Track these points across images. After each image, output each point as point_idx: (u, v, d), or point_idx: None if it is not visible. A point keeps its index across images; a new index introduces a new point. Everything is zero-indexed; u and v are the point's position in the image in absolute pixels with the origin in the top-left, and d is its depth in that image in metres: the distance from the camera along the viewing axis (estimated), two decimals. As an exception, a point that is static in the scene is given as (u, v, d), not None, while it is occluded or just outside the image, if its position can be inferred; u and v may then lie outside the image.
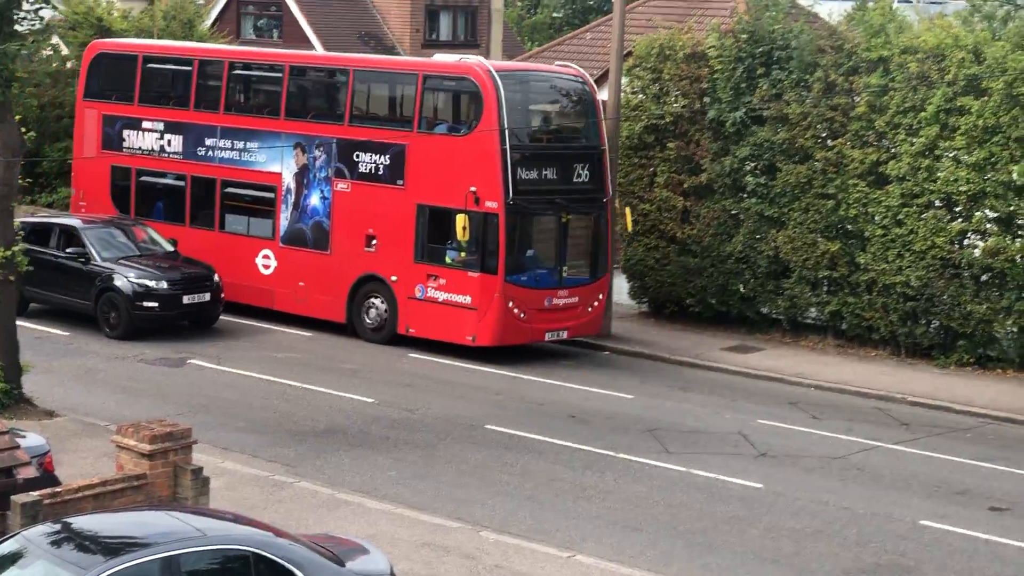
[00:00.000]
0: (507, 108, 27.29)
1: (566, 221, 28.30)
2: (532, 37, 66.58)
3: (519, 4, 70.30)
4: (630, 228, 29.22)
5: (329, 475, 20.32)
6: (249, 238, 30.71)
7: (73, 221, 29.80)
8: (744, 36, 30.49)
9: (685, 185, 31.36)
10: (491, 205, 27.23)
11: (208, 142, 31.25)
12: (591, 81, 29.48)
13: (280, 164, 30.14)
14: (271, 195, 30.36)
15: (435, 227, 28.23)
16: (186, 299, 28.54)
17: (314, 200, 29.71)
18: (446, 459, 21.38)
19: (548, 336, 28.32)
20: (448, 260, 28.08)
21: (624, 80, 31.32)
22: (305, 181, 29.82)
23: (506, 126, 27.25)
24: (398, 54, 48.26)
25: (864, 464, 22.10)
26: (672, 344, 29.82)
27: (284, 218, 30.17)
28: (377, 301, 28.96)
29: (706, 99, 31.07)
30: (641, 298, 32.61)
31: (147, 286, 28.15)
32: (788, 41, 29.94)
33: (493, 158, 27.22)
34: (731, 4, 35.94)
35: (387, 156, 28.54)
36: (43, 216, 31.94)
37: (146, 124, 32.22)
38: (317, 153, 29.59)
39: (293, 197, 30.01)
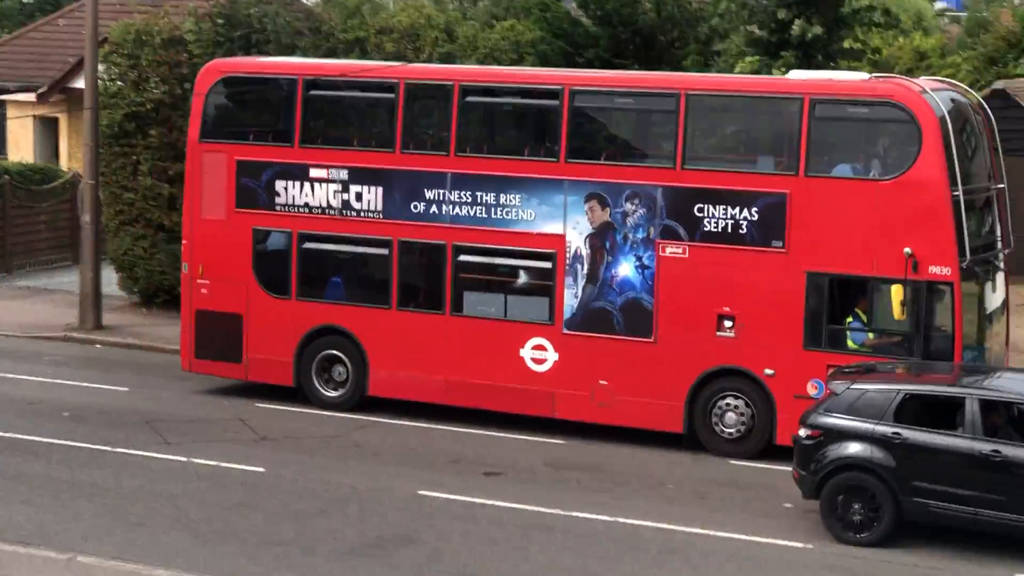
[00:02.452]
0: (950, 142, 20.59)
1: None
2: (1, 24, 58.91)
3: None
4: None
5: None
6: (507, 323, 22.74)
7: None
8: (221, 20, 30.47)
9: (171, 172, 30.38)
10: (938, 272, 20.41)
11: (429, 195, 23.05)
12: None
13: (562, 222, 22.31)
14: (547, 264, 22.52)
15: (838, 303, 21.16)
16: None
17: (624, 270, 22.08)
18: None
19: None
20: (858, 346, 21.07)
21: (101, 67, 30.50)
22: (608, 245, 22.12)
23: (956, 166, 20.51)
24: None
25: (362, 441, 22.19)
26: (165, 334, 28.42)
27: (571, 295, 22.36)
28: (737, 402, 21.64)
29: (187, 85, 29.15)
30: (131, 289, 31.95)
31: None
32: (265, 25, 29.92)
33: (941, 209, 20.40)
34: (209, -13, 33.42)
35: (754, 209, 21.26)
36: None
37: (316, 172, 23.68)
38: (629, 207, 21.97)
39: (586, 267, 22.27)
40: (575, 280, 22.33)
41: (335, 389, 23.92)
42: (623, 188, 21.97)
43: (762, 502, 19.74)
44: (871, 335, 21.08)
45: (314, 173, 23.74)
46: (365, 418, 23.43)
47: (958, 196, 20.45)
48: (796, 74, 22.91)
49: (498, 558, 17.09)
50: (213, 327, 24.45)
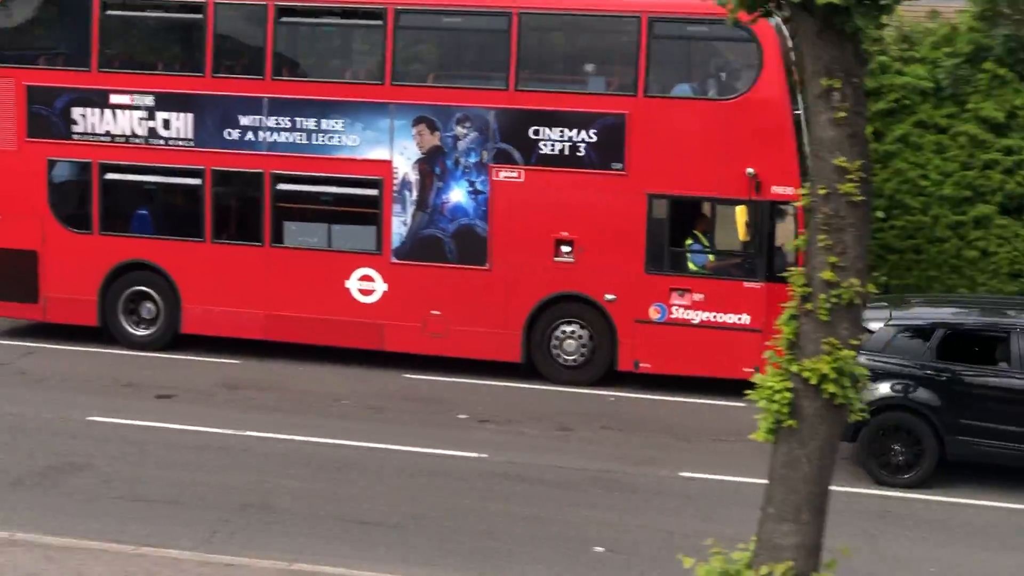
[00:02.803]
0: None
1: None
2: None
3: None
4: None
5: None
6: (331, 254, 21.81)
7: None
8: None
9: None
10: (781, 191, 20.28)
11: (244, 121, 21.89)
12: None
13: (388, 148, 21.44)
14: (374, 192, 21.61)
15: (679, 225, 20.88)
16: None
17: (456, 196, 21.36)
18: None
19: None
20: (701, 268, 20.86)
21: None
22: (438, 171, 21.36)
23: (796, 85, 20.37)
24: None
25: (28, 368, 21.38)
26: None
27: (400, 223, 21.55)
28: (577, 329, 21.21)
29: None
30: None
31: None
32: None
33: (784, 129, 20.26)
34: None
35: (592, 130, 20.75)
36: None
37: (117, 99, 22.24)
38: (460, 130, 21.21)
39: (415, 193, 21.47)
40: (403, 208, 21.50)
41: (145, 328, 22.62)
42: (454, 111, 21.17)
43: (437, 414, 19.56)
44: (712, 257, 20.83)
45: (115, 99, 22.25)
46: (32, 344, 22.58)
47: (799, 115, 20.25)
48: None
49: (171, 481, 16.40)
50: (2, 266, 22.82)
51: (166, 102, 22.09)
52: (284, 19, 21.90)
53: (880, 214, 22.92)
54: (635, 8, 20.73)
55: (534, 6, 21.20)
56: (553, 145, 20.84)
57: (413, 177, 21.41)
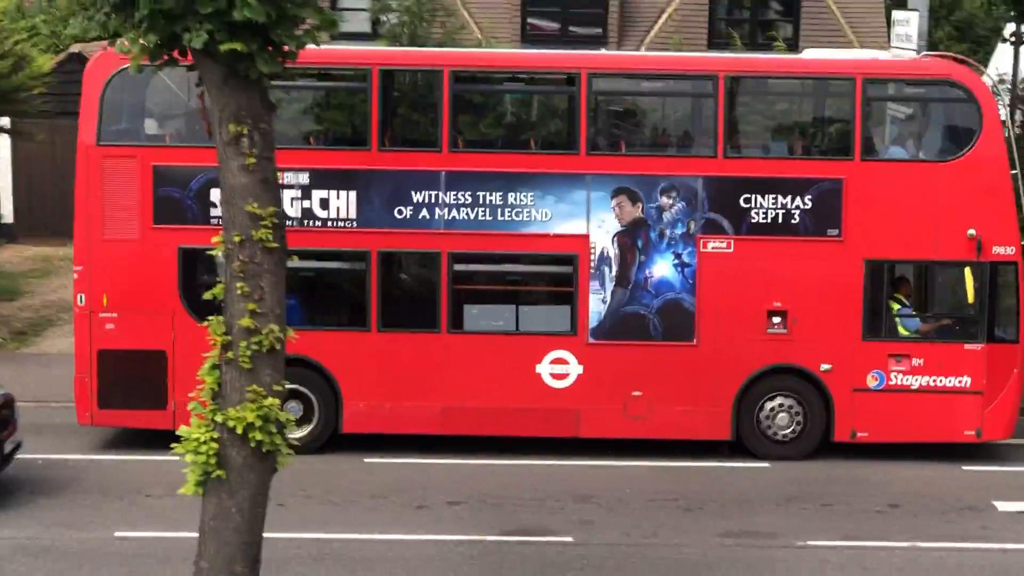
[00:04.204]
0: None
1: None
2: None
3: None
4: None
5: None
6: (519, 337, 20.35)
7: None
8: None
9: None
10: (1003, 252, 20.25)
11: (418, 198, 20.16)
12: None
13: (585, 221, 20.18)
14: (567, 268, 20.28)
15: (897, 290, 20.54)
16: None
17: (660, 269, 20.29)
18: None
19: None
20: (913, 332, 20.57)
21: None
22: (640, 244, 20.24)
23: (1014, 146, 20.38)
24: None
25: None
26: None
27: (598, 301, 20.29)
28: (789, 401, 20.53)
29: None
30: None
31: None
32: None
33: (1005, 190, 20.22)
34: None
35: (807, 197, 20.15)
36: None
37: (266, 177, 20.02)
38: (665, 201, 20.18)
39: (616, 268, 20.26)
40: (601, 284, 20.24)
41: (296, 429, 20.43)
42: (658, 181, 20.09)
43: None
44: (936, 320, 20.55)
45: (263, 177, 19.94)
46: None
47: (1016, 175, 20.22)
48: (816, 52, 21.80)
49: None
50: (124, 369, 20.21)
51: (325, 179, 20.03)
52: (461, 85, 20.20)
53: None
54: (850, 70, 20.18)
55: (741, 68, 20.32)
56: (766, 213, 20.08)
57: (612, 251, 20.17)
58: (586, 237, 20.14)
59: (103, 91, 19.97)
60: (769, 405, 20.48)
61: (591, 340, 20.25)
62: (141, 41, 11.17)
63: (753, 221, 20.08)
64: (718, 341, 20.24)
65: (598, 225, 20.14)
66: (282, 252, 11.22)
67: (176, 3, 10.85)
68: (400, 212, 20.05)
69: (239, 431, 10.95)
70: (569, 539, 17.14)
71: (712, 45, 32.00)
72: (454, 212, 20.06)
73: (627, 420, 20.37)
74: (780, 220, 20.08)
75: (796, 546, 17.02)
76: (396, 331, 20.28)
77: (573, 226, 20.09)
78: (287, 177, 19.93)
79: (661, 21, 33.10)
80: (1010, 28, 26.53)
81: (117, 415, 20.43)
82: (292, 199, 20.05)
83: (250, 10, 10.69)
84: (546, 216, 20.09)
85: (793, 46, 31.67)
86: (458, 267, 20.20)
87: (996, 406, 20.33)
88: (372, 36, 32.53)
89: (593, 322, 20.26)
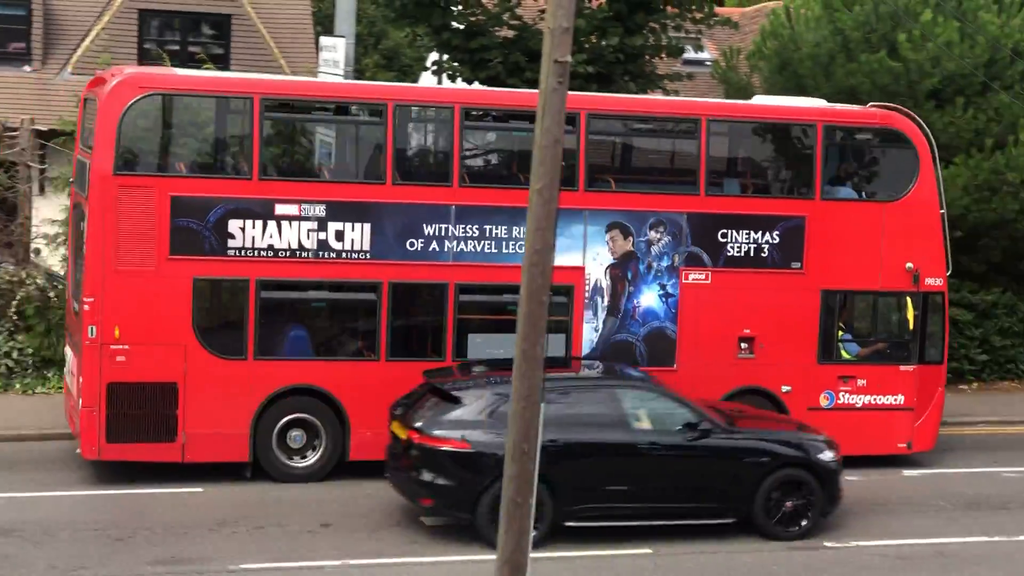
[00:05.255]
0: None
1: None
2: None
3: None
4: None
5: None
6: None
7: None
8: None
9: None
10: (933, 283, 22.78)
11: (428, 230, 20.89)
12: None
13: (581, 254, 21.41)
14: (563, 299, 21.39)
15: (847, 318, 22.70)
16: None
17: (647, 300, 21.70)
18: None
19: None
20: (857, 356, 22.79)
21: None
22: (630, 275, 21.63)
23: (942, 188, 22.91)
24: None
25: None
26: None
27: (591, 330, 21.54)
28: (752, 421, 22.33)
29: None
30: None
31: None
32: None
33: (936, 228, 22.74)
34: None
35: (775, 232, 22.04)
36: None
37: (283, 209, 20.34)
38: (653, 235, 21.63)
39: (608, 299, 21.56)
40: (594, 313, 21.46)
41: (300, 458, 20.71)
42: (647, 216, 21.46)
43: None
44: (875, 344, 22.71)
45: (281, 210, 20.21)
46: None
47: (943, 213, 22.68)
48: (766, 99, 23.55)
49: None
50: (134, 402, 19.96)
51: (340, 212, 20.40)
52: (470, 123, 20.98)
53: None
54: (811, 116, 22.12)
55: (722, 113, 21.93)
56: (740, 247, 21.75)
57: (604, 283, 21.41)
58: (582, 269, 21.25)
59: (120, 120, 19.57)
60: (736, 424, 22.07)
61: (583, 366, 21.33)
62: None
63: (729, 254, 21.68)
64: (695, 366, 21.72)
65: (593, 258, 21.29)
66: None
67: None
68: (412, 244, 20.58)
69: None
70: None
71: (144, 63, 30.95)
72: (462, 244, 20.76)
73: (614, 441, 21.51)
74: (752, 253, 21.76)
75: (228, 570, 16.89)
76: (403, 360, 20.76)
77: (570, 258, 21.11)
78: (304, 209, 20.19)
79: (89, 39, 32.73)
80: (432, 57, 28.51)
81: (125, 449, 20.07)
82: (308, 231, 20.24)
83: None
84: (546, 249, 20.99)
85: (225, 66, 31.87)
86: (463, 298, 20.89)
87: (924, 421, 22.71)
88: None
89: (586, 349, 21.37)
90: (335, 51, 26.05)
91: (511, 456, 12.00)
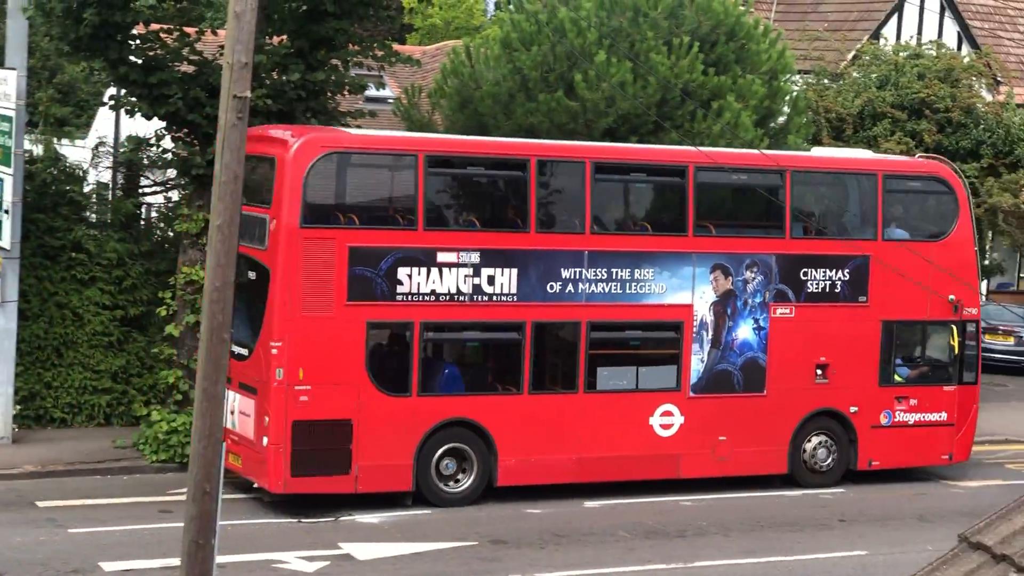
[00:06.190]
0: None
1: None
2: None
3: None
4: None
5: None
6: (637, 394, 23.70)
7: None
8: None
9: None
10: (971, 312, 25.95)
11: (565, 274, 23.09)
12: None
13: (690, 293, 23.87)
14: (674, 335, 23.80)
15: (901, 344, 25.63)
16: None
17: (743, 333, 24.24)
18: None
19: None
20: (911, 378, 25.77)
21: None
22: (729, 311, 24.16)
23: (975, 228, 26.10)
24: None
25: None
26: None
27: (697, 360, 23.99)
28: (822, 439, 25.10)
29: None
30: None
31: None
32: None
33: (973, 264, 25.93)
34: None
35: (846, 270, 24.86)
36: None
37: (443, 257, 22.30)
38: (748, 275, 24.22)
39: (711, 332, 24.04)
40: (701, 346, 23.83)
41: (454, 484, 22.63)
42: (744, 258, 24.00)
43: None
44: (918, 368, 25.68)
45: (442, 258, 22.12)
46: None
47: (976, 251, 25.84)
48: (825, 151, 26.28)
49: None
50: (315, 438, 21.61)
51: (491, 258, 22.40)
52: (600, 176, 23.21)
53: None
54: (874, 167, 25.01)
55: (803, 165, 24.65)
56: (818, 283, 24.47)
57: (709, 318, 23.83)
58: (691, 307, 23.62)
59: (306, 177, 21.22)
60: (813, 441, 24.75)
61: (691, 394, 23.74)
62: None
63: (808, 290, 24.35)
64: (781, 391, 24.31)
65: (699, 296, 23.68)
66: None
67: None
68: (551, 287, 22.67)
69: None
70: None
71: None
72: (593, 287, 22.94)
73: (714, 461, 23.99)
74: (827, 289, 24.47)
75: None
76: (543, 393, 22.84)
77: (681, 297, 23.50)
78: (461, 256, 22.13)
79: None
80: (110, 92, 27.89)
81: (307, 482, 21.62)
82: (465, 276, 22.17)
83: None
84: (662, 289, 23.39)
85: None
86: (594, 335, 23.06)
87: (963, 435, 25.72)
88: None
89: (693, 379, 23.75)
90: (5, 84, 24.99)
91: (191, 497, 11.55)
